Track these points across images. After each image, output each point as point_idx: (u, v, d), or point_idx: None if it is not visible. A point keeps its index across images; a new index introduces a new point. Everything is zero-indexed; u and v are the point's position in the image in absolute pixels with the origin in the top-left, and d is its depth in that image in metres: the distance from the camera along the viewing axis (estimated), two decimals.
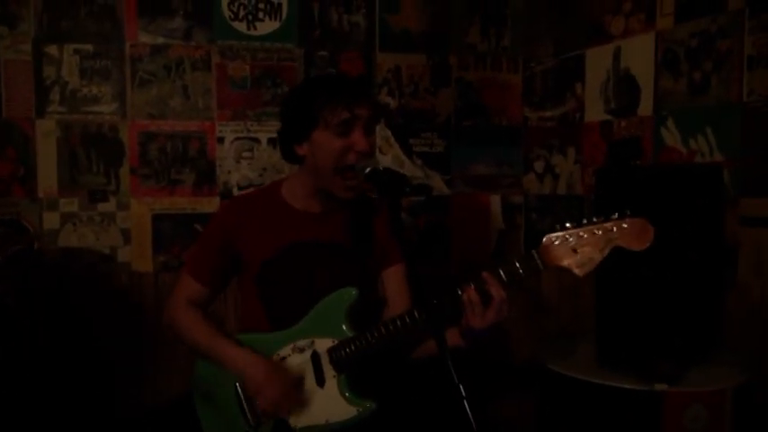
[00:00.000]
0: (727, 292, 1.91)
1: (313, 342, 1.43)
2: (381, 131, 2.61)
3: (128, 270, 2.42)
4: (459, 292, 1.30)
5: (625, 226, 1.22)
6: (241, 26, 2.50)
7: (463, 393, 1.06)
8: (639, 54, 2.28)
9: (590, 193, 2.49)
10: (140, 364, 2.41)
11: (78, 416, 2.30)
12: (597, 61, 2.48)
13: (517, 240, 2.78)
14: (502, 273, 1.27)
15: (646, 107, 2.27)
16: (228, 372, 1.46)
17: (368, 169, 1.35)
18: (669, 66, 2.17)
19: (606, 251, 1.22)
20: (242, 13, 2.50)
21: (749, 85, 1.90)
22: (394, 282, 1.56)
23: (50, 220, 2.37)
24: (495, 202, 2.76)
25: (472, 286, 1.28)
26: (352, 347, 1.39)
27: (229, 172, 2.50)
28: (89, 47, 2.38)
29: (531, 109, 2.75)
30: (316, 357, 1.42)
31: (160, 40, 2.43)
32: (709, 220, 1.79)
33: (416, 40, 2.64)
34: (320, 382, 1.41)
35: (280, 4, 2.53)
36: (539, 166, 2.75)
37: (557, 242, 1.23)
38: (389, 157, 2.62)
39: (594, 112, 2.50)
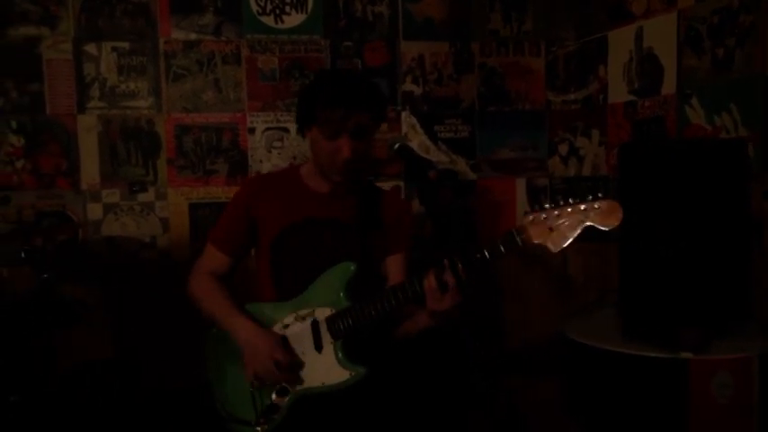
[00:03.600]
0: (753, 265, 1.92)
1: (313, 311, 1.55)
2: (407, 119, 2.67)
3: (167, 257, 2.53)
4: (423, 278, 1.39)
5: (597, 206, 1.27)
6: (269, 20, 2.58)
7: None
8: (662, 33, 2.30)
9: (615, 173, 2.52)
10: (179, 346, 2.51)
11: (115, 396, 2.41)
12: (620, 42, 2.50)
13: None
14: (460, 259, 1.33)
15: (669, 86, 2.28)
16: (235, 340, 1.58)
17: (397, 145, 1.45)
18: (692, 44, 2.18)
19: (579, 230, 1.28)
20: (269, 7, 2.58)
21: None
22: (394, 267, 1.68)
23: (94, 211, 2.49)
24: (521, 185, 2.80)
25: (432, 273, 1.36)
26: (349, 316, 1.51)
27: (261, 161, 2.58)
28: (125, 44, 2.49)
29: (554, 93, 2.78)
30: (315, 325, 1.54)
31: (192, 36, 2.53)
32: (734, 193, 1.81)
33: (439, 28, 2.69)
34: (318, 347, 1.54)
35: None
36: (563, 148, 2.78)
37: (534, 221, 1.29)
38: (416, 143, 2.68)
39: (618, 93, 2.52)
